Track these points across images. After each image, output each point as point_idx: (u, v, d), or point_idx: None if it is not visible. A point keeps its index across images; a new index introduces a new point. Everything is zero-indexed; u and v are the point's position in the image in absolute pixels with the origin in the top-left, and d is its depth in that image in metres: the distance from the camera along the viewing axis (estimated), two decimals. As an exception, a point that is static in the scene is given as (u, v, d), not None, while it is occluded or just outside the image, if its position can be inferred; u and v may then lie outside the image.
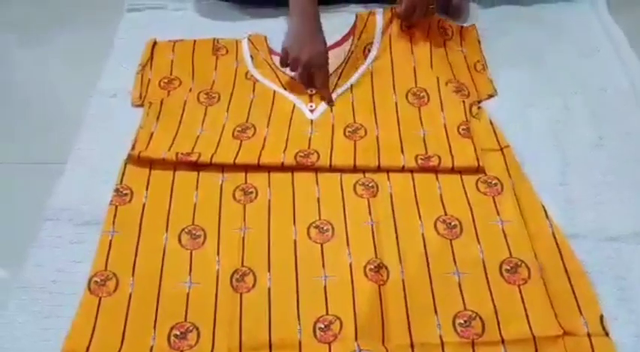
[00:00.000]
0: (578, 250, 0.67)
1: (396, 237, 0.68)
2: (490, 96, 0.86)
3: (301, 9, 0.85)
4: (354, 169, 0.75)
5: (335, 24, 0.96)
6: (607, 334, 0.60)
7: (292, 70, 0.86)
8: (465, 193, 0.73)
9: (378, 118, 0.82)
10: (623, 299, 0.63)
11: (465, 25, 0.97)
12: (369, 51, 0.90)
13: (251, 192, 0.74)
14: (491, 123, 0.81)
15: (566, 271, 0.64)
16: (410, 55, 0.90)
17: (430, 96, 0.84)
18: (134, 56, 0.93)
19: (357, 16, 0.94)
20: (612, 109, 0.84)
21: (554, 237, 0.67)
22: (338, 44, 0.93)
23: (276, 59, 0.91)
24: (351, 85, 0.87)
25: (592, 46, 0.95)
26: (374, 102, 0.84)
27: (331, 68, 0.89)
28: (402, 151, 0.77)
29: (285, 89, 0.87)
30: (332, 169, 0.75)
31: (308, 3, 0.85)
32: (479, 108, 0.83)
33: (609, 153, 0.78)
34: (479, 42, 0.94)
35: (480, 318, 0.61)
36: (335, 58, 0.90)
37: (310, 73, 0.85)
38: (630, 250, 0.68)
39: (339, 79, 0.88)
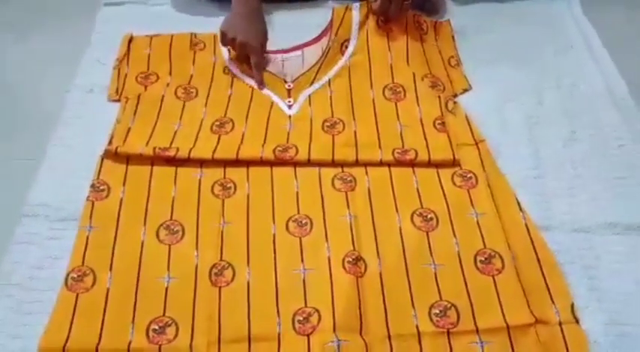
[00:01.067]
0: (550, 241, 0.68)
1: (374, 230, 0.69)
2: (465, 90, 0.88)
3: None
4: (333, 163, 0.76)
5: (312, 20, 0.97)
6: (577, 322, 0.61)
7: (233, 49, 0.88)
8: (441, 186, 0.74)
9: (355, 113, 0.83)
10: (593, 289, 0.65)
11: (439, 20, 0.98)
12: (347, 47, 0.91)
13: (229, 187, 0.74)
14: (466, 118, 0.82)
15: (538, 261, 0.66)
16: (387, 51, 0.90)
17: (406, 92, 0.85)
18: (111, 51, 0.92)
19: (333, 12, 0.94)
20: (585, 105, 0.86)
21: (527, 229, 0.69)
22: (315, 41, 0.93)
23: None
24: (329, 80, 0.87)
25: (566, 44, 0.97)
26: (352, 98, 0.85)
27: (309, 63, 0.90)
28: (380, 146, 0.78)
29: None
30: (310, 163, 0.76)
31: None
32: (455, 103, 0.85)
33: (581, 147, 0.80)
34: (453, 38, 0.95)
35: (455, 308, 0.63)
36: (313, 54, 0.91)
37: (246, 54, 0.87)
38: (601, 241, 0.70)
39: (317, 73, 0.88)
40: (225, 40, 0.86)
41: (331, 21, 0.94)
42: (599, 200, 0.74)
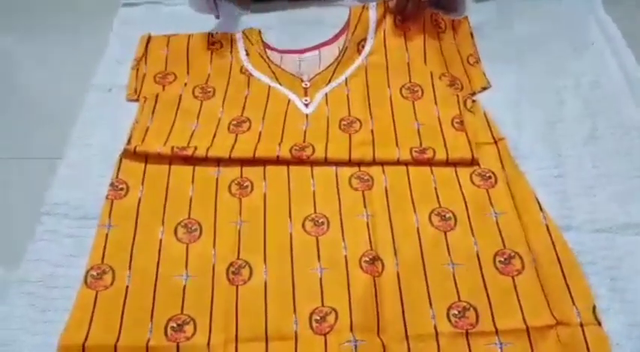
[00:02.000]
0: (571, 241, 0.67)
1: (391, 230, 0.69)
2: (484, 88, 0.87)
3: None
4: (349, 162, 0.76)
5: (329, 20, 0.97)
6: (599, 324, 0.60)
7: None
8: (460, 186, 0.73)
9: (372, 112, 0.82)
10: (615, 290, 0.64)
11: (457, 18, 0.97)
12: (363, 46, 0.91)
13: (246, 186, 0.74)
14: (485, 116, 0.81)
15: (559, 262, 0.65)
16: (404, 50, 0.90)
17: (424, 91, 0.84)
18: (129, 51, 0.93)
19: (350, 11, 0.94)
20: (605, 103, 0.84)
21: (548, 229, 0.68)
22: (332, 41, 0.93)
23: (271, 53, 0.92)
24: (346, 79, 0.87)
25: (586, 40, 0.95)
26: (369, 96, 0.84)
27: (326, 63, 0.89)
28: (397, 144, 0.77)
29: (279, 83, 0.87)
30: (327, 162, 0.75)
31: None
32: (473, 101, 0.84)
33: (602, 145, 0.79)
34: (471, 35, 0.94)
35: (474, 309, 0.62)
36: (329, 54, 0.91)
37: None
38: (623, 241, 0.68)
39: (334, 73, 0.88)
40: None
41: (348, 20, 0.93)
42: (621, 199, 0.72)
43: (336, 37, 0.93)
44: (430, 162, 0.75)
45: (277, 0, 0.89)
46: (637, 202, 0.72)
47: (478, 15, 0.98)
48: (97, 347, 0.60)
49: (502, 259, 0.66)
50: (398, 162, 0.75)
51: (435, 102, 0.83)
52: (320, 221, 0.70)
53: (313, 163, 0.75)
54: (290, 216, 0.71)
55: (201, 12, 0.99)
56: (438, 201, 0.72)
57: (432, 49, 0.90)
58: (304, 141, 0.77)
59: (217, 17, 0.87)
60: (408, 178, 0.74)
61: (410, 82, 0.86)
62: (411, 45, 0.90)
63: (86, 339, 0.61)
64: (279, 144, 0.77)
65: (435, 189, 0.73)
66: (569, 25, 0.98)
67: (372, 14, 0.93)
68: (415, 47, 0.90)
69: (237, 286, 0.64)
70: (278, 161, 0.75)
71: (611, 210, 0.71)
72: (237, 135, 0.79)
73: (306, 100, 0.85)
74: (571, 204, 0.72)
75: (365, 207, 0.71)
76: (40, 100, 0.93)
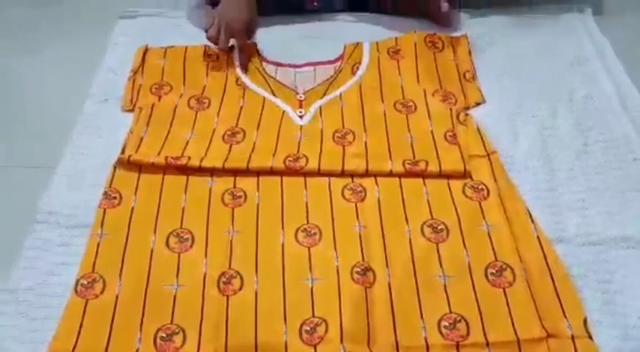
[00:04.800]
0: (563, 254, 0.67)
1: (383, 241, 0.69)
2: (478, 104, 0.87)
3: None
4: (343, 174, 0.76)
5: (326, 35, 0.99)
6: (590, 337, 0.60)
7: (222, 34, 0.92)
8: (452, 198, 0.73)
9: (366, 124, 0.83)
10: (606, 303, 0.64)
11: (456, 34, 0.98)
12: (358, 68, 0.92)
13: (240, 196, 0.74)
14: (478, 129, 0.82)
15: (550, 274, 0.65)
16: (397, 75, 0.91)
17: (417, 106, 0.85)
18: (126, 62, 0.93)
19: (345, 47, 0.96)
20: (597, 117, 0.85)
21: (539, 241, 0.68)
22: (328, 63, 0.94)
23: (267, 66, 0.93)
24: (341, 94, 0.88)
25: (579, 55, 0.96)
26: (363, 110, 0.85)
27: (321, 79, 0.91)
28: (390, 157, 0.77)
29: (274, 96, 0.88)
30: (320, 174, 0.76)
31: None
32: (466, 115, 0.84)
33: (594, 159, 0.79)
34: (469, 52, 0.95)
35: (465, 321, 0.62)
36: (325, 72, 0.92)
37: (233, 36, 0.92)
38: (614, 255, 0.68)
39: (328, 87, 0.89)
40: (212, 28, 0.92)
41: (343, 53, 0.95)
42: (613, 213, 0.73)
43: (332, 61, 0.94)
44: (423, 175, 0.75)
45: (275, 15, 0.91)
46: (628, 215, 0.72)
47: (473, 30, 1.00)
48: (86, 356, 0.60)
49: (493, 271, 0.66)
50: (391, 174, 0.75)
51: (429, 116, 0.83)
52: (312, 232, 0.70)
53: (307, 174, 0.76)
54: (282, 227, 0.71)
55: (199, 25, 1.00)
56: (431, 213, 0.72)
57: (425, 69, 0.91)
58: (298, 153, 0.78)
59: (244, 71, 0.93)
60: (401, 190, 0.74)
61: (403, 98, 0.86)
62: (404, 67, 0.92)
63: (74, 348, 0.60)
64: (273, 155, 0.77)
65: (428, 201, 0.73)
66: (562, 39, 1.00)
67: (366, 47, 0.95)
68: (408, 70, 0.91)
69: (227, 296, 0.64)
70: (272, 172, 0.76)
71: (603, 223, 0.72)
72: (231, 145, 0.80)
73: (300, 112, 0.85)
74: (563, 217, 0.72)
75: (357, 218, 0.71)
76: (36, 109, 0.93)
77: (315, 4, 1.03)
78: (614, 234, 0.70)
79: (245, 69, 0.92)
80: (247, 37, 0.95)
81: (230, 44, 0.93)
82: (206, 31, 0.96)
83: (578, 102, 0.88)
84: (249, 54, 0.94)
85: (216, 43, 0.94)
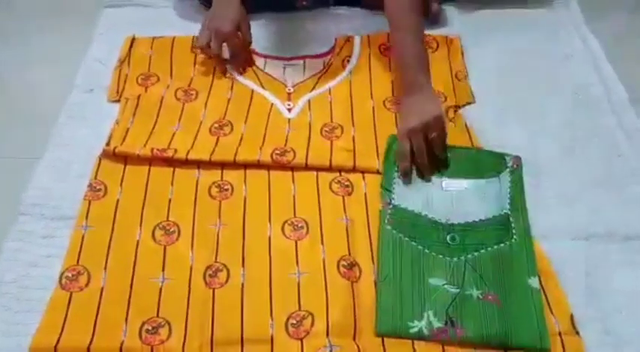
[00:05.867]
0: (548, 250, 0.68)
1: (369, 236, 0.69)
2: (468, 103, 0.87)
3: None
4: (330, 169, 0.76)
5: (315, 30, 0.98)
6: (577, 333, 0.61)
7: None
8: None
9: (355, 119, 0.83)
10: (591, 297, 0.65)
11: (449, 35, 0.97)
12: (348, 62, 0.92)
13: (227, 189, 0.74)
14: (466, 126, 0.82)
15: (536, 270, 0.66)
16: (387, 69, 0.91)
17: None
18: (112, 52, 0.92)
19: (335, 40, 0.95)
20: (585, 113, 0.86)
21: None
22: (317, 57, 0.93)
23: (256, 58, 0.92)
24: (330, 88, 0.88)
25: (567, 52, 0.97)
26: (352, 105, 0.85)
27: (310, 73, 0.90)
28: (377, 154, 0.78)
29: (263, 88, 0.87)
30: (308, 168, 0.75)
31: None
32: (455, 112, 0.84)
33: (581, 155, 0.80)
34: (462, 53, 0.95)
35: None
36: (314, 66, 0.92)
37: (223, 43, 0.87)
38: (599, 250, 0.69)
39: (317, 81, 0.88)
40: (201, 35, 0.87)
41: (334, 46, 0.95)
42: (598, 209, 0.73)
43: (322, 55, 0.94)
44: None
45: (264, 12, 0.90)
46: (613, 211, 0.73)
47: (464, 27, 1.00)
48: (69, 350, 0.59)
49: None
50: (378, 173, 0.75)
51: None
52: (299, 225, 0.70)
53: (294, 168, 0.75)
54: (269, 220, 0.70)
55: (186, 16, 0.99)
56: (418, 208, 0.72)
57: None
58: (285, 146, 0.77)
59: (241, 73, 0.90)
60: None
61: (393, 95, 0.86)
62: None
63: (58, 341, 0.59)
64: (261, 148, 0.77)
65: (415, 195, 0.73)
66: (550, 36, 1.00)
67: (357, 41, 0.95)
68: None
69: (213, 289, 0.64)
70: (259, 165, 0.75)
71: (589, 219, 0.72)
72: (218, 138, 0.79)
73: (288, 105, 0.85)
74: (549, 213, 0.73)
75: (345, 211, 0.71)
76: (21, 100, 0.92)
77: (305, 2, 1.02)
78: (599, 229, 0.71)
79: (239, 73, 0.89)
80: (239, 38, 0.88)
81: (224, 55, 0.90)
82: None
83: (565, 98, 0.88)
84: (244, 59, 0.90)
85: (206, 54, 0.89)
